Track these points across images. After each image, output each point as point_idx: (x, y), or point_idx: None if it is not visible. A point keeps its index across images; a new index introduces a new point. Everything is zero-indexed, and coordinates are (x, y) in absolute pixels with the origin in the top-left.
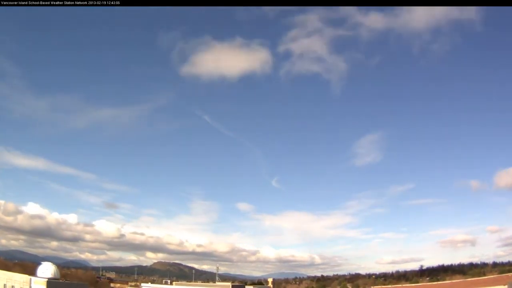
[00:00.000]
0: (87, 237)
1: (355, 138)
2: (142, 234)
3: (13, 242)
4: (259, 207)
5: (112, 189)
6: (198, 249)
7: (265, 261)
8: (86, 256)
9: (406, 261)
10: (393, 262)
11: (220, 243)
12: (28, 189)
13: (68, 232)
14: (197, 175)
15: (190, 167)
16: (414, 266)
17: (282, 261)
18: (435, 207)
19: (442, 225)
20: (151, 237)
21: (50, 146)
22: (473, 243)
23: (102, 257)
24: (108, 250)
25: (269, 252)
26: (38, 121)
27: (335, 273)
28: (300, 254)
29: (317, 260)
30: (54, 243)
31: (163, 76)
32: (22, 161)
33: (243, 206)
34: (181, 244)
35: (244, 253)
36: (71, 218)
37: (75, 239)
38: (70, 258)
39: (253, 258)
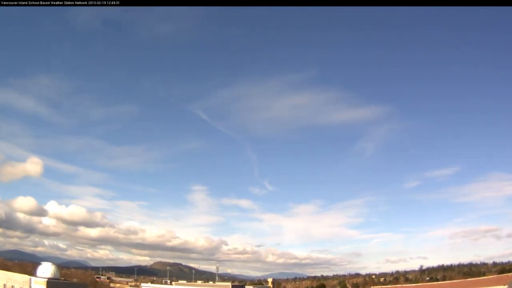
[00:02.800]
0: (88, 234)
1: (354, 138)
2: (141, 232)
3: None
4: (259, 208)
5: (112, 186)
6: (196, 249)
7: (265, 261)
8: (85, 254)
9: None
10: (396, 261)
11: (219, 243)
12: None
13: (68, 229)
14: (197, 175)
15: (191, 166)
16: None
17: (282, 261)
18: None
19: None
20: (151, 235)
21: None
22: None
23: (101, 256)
24: (108, 248)
25: (269, 252)
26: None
27: (335, 273)
28: (300, 254)
29: (317, 260)
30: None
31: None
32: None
33: (243, 206)
34: (180, 243)
35: (243, 252)
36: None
37: (74, 237)
38: (70, 258)
39: (252, 257)
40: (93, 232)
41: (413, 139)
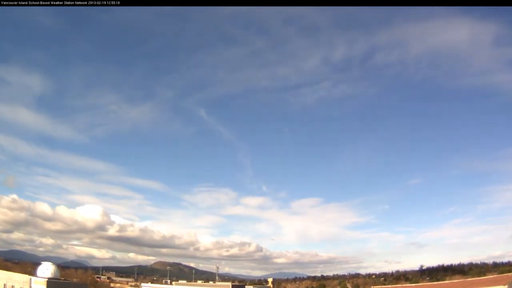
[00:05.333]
0: (87, 234)
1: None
2: (141, 232)
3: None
4: (260, 207)
5: (112, 185)
6: (196, 248)
7: (265, 261)
8: (85, 254)
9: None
10: (396, 261)
11: (218, 243)
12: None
13: (67, 229)
14: (197, 174)
15: (191, 165)
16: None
17: (282, 261)
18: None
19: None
20: (151, 235)
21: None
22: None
23: (101, 256)
24: (108, 248)
25: (269, 251)
26: None
27: (335, 273)
28: (301, 253)
29: (317, 259)
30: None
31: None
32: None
33: (243, 206)
34: (179, 243)
35: (243, 252)
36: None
37: (74, 236)
38: (70, 258)
39: (252, 257)
40: (93, 232)
41: (414, 138)
